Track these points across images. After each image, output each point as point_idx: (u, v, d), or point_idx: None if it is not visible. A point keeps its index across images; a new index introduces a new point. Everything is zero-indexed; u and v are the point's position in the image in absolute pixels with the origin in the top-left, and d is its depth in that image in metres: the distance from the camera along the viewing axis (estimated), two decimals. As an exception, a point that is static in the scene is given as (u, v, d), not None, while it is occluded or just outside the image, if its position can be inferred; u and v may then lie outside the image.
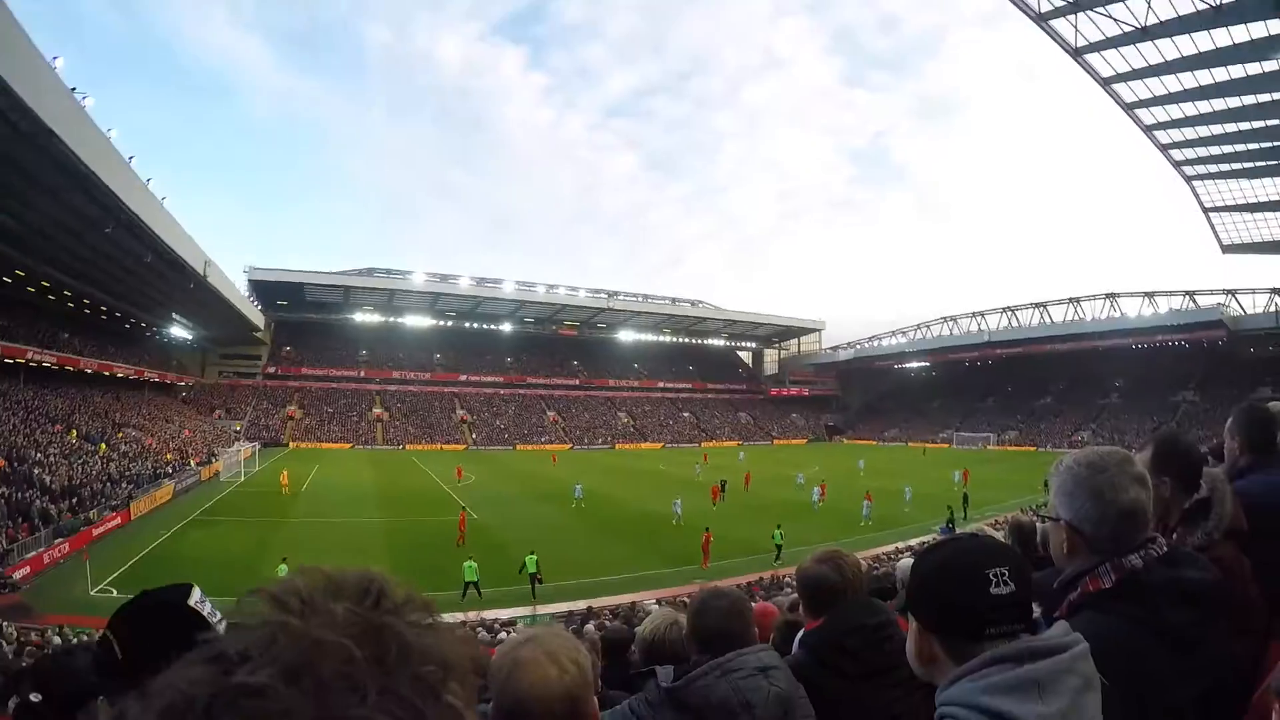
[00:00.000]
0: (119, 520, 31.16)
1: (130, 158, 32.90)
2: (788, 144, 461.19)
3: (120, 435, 44.69)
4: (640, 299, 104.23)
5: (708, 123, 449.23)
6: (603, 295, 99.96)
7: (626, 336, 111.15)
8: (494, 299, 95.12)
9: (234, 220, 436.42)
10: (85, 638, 15.88)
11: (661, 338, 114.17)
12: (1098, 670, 1.49)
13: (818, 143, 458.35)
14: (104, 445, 40.38)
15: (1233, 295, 69.79)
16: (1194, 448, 2.81)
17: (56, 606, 21.19)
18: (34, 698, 3.35)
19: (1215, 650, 1.88)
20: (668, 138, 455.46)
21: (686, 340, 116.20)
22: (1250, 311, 69.06)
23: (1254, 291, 68.13)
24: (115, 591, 22.95)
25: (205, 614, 1.71)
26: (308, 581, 0.50)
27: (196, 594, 1.72)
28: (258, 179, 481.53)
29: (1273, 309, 66.36)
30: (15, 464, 30.59)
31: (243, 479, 47.46)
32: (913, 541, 27.23)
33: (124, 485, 34.94)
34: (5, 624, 16.14)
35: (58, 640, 15.62)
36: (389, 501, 40.32)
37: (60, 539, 26.60)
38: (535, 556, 23.78)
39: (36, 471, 30.91)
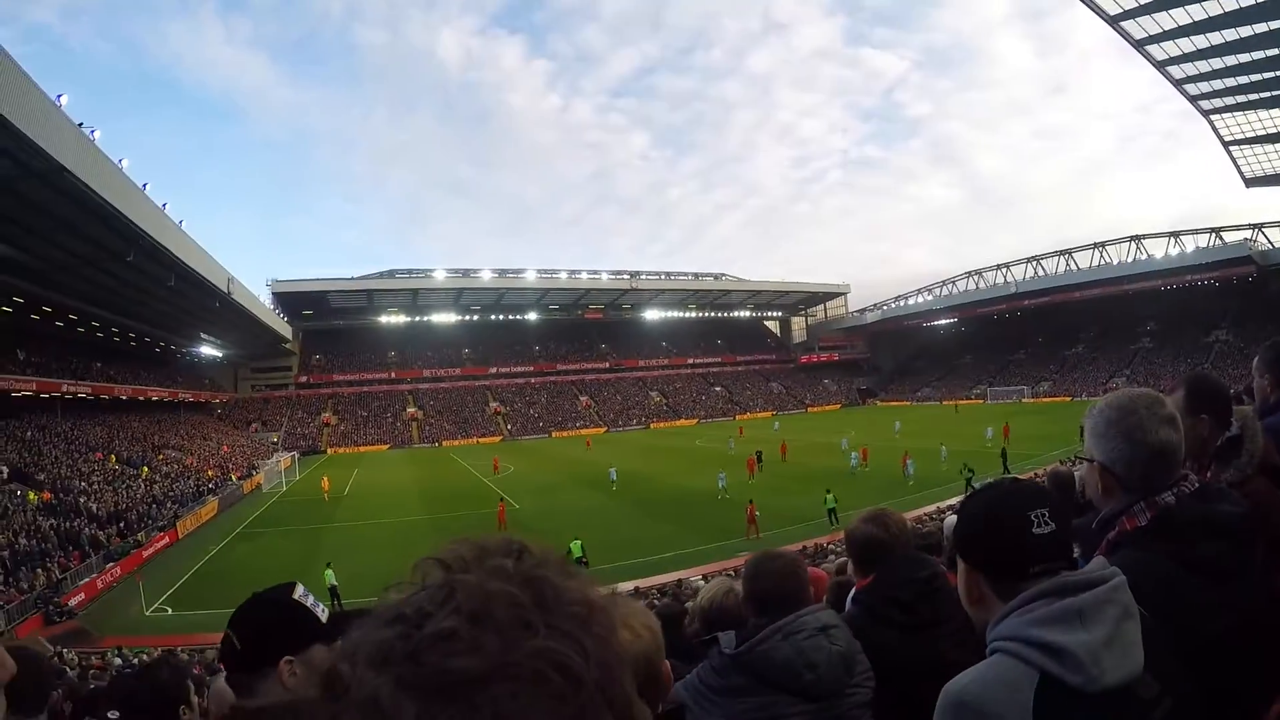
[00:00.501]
0: (167, 540, 31.70)
1: (145, 185, 33.24)
2: (797, 109, 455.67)
3: (160, 457, 45.45)
4: (663, 276, 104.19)
5: (715, 94, 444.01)
6: (625, 276, 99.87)
7: (652, 315, 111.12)
8: (517, 289, 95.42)
9: (253, 237, 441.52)
10: (145, 657, 16.17)
11: (687, 314, 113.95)
12: (1137, 604, 1.56)
13: (828, 105, 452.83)
14: (145, 468, 41.02)
15: (1259, 230, 68.14)
16: (1224, 386, 2.84)
17: (114, 629, 21.60)
18: (111, 715, 3.41)
19: (1250, 581, 1.92)
20: (676, 113, 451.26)
21: (712, 314, 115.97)
22: (1279, 245, 67.41)
23: None
24: (170, 610, 23.52)
25: (309, 605, 1.95)
26: (464, 547, 0.58)
27: (300, 589, 1.97)
28: (272, 194, 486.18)
29: None
30: (61, 494, 31.25)
31: (284, 489, 48.13)
32: (953, 500, 27.10)
33: (169, 505, 35.54)
34: (65, 651, 16.32)
35: (119, 661, 15.87)
36: (430, 498, 40.66)
37: (111, 563, 27.03)
38: (580, 542, 23.99)
39: (83, 500, 31.49)
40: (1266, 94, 38.31)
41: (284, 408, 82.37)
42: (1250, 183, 52.11)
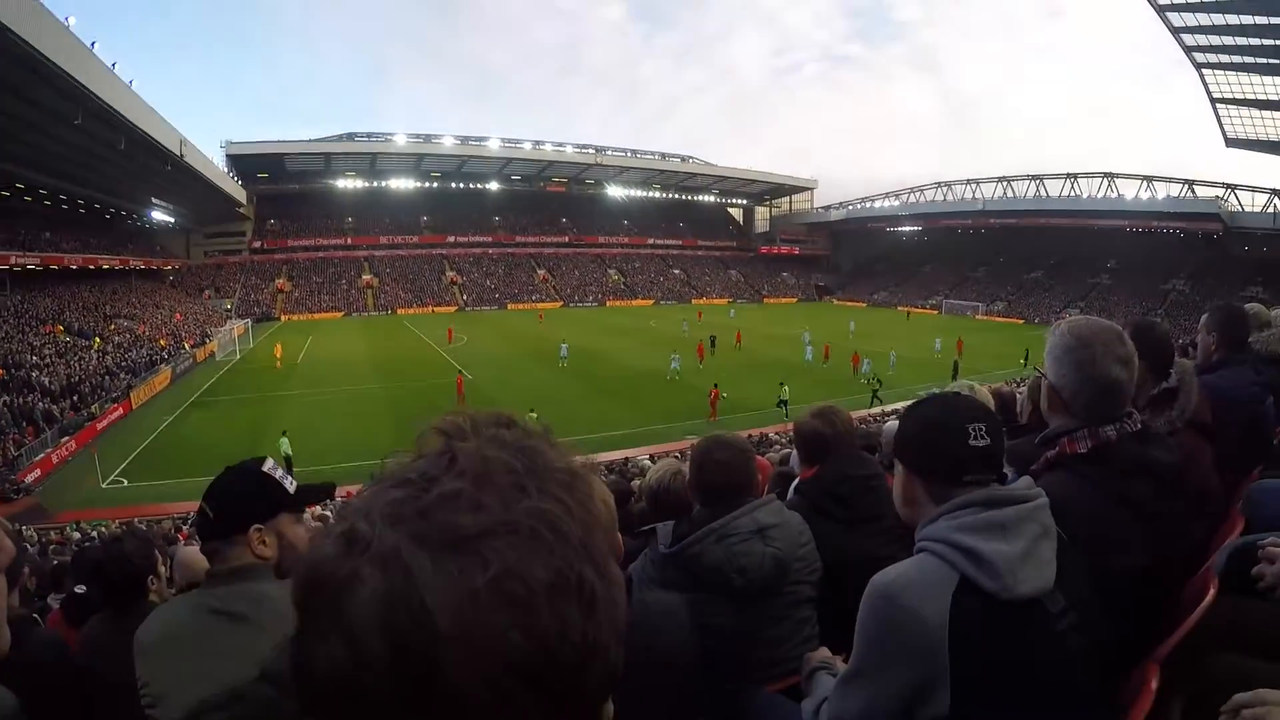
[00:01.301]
0: (121, 411, 31.65)
1: (93, 43, 31.83)
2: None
3: (112, 327, 44.87)
4: (629, 154, 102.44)
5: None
6: (590, 151, 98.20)
7: (616, 193, 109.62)
8: (479, 157, 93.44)
9: (208, 97, 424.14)
10: (103, 530, 16.51)
11: (651, 194, 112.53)
12: (1065, 526, 1.76)
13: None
14: (98, 339, 40.59)
15: (1233, 190, 68.28)
16: (1168, 337, 3.10)
17: (71, 504, 21.77)
18: (78, 589, 3.86)
19: (1171, 526, 2.09)
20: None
21: (676, 196, 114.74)
22: (1248, 209, 67.62)
23: (1254, 189, 66.47)
24: (126, 482, 23.90)
25: (277, 478, 2.07)
26: (461, 419, 0.65)
27: (269, 463, 2.10)
28: (228, 49, 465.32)
29: (1271, 209, 64.95)
30: (12, 370, 30.97)
31: (238, 357, 48.00)
32: (898, 405, 27.67)
33: (122, 376, 35.33)
34: (24, 528, 16.61)
35: (77, 536, 16.01)
36: (385, 368, 41.21)
37: (66, 437, 27.05)
38: (536, 414, 24.51)
39: (34, 374, 31.27)
40: (1265, 59, 38.06)
41: (238, 274, 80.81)
42: (1230, 143, 52.29)
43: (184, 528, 15.18)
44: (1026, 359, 39.70)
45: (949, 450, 1.65)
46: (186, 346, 46.93)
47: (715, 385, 29.64)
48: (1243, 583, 2.12)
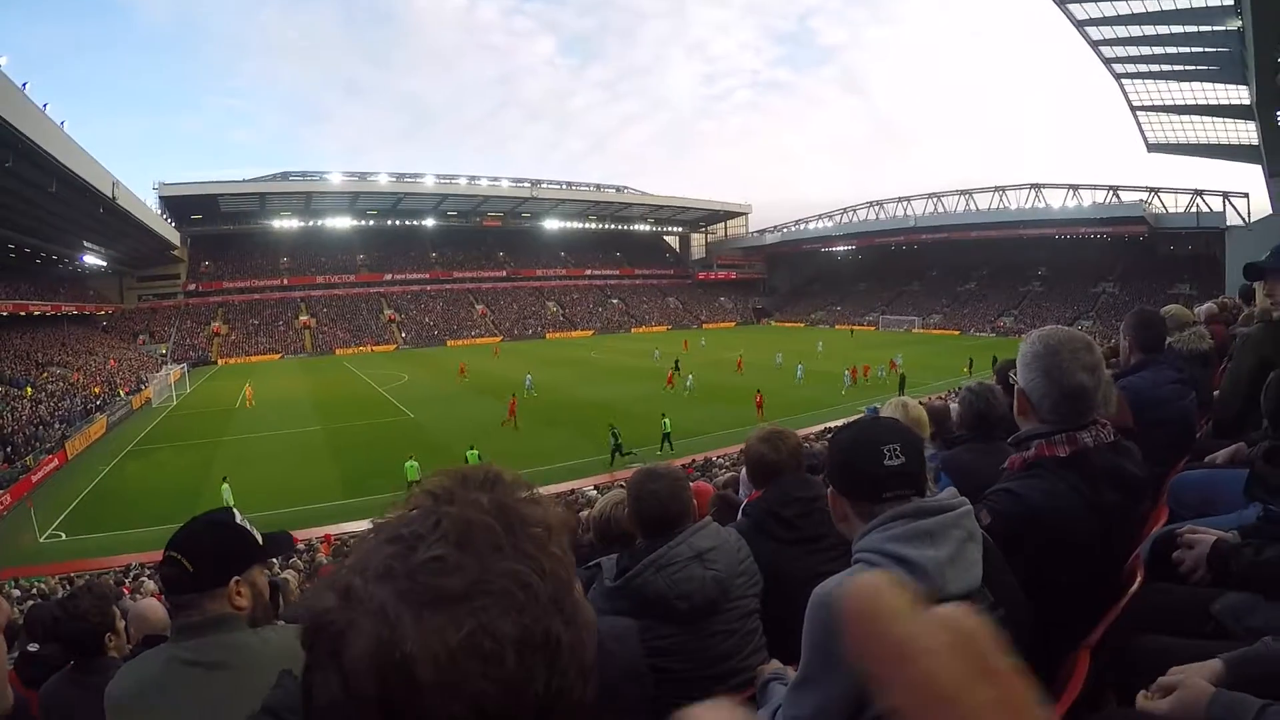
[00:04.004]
0: (56, 462, 31.14)
1: (24, 84, 31.61)
2: (711, 25, 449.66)
3: (45, 375, 44.12)
4: (564, 186, 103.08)
5: (626, 2, 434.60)
6: (526, 184, 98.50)
7: (552, 225, 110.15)
8: (415, 194, 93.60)
9: (140, 139, 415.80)
10: (43, 586, 16.33)
11: (587, 225, 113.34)
12: (1038, 527, 1.93)
13: (742, 24, 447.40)
14: (29, 388, 39.89)
15: (1155, 193, 70.76)
16: (1161, 321, 3.41)
17: (9, 560, 21.02)
18: (31, 648, 3.72)
19: (1130, 534, 2.26)
20: (585, 20, 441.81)
21: (613, 227, 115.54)
22: (1172, 210, 70.13)
23: (1176, 191, 69.09)
24: (64, 535, 23.21)
25: (248, 528, 2.07)
26: (449, 480, 0.70)
27: (237, 515, 2.10)
28: (159, 93, 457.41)
29: (1193, 210, 67.51)
30: (-55, 422, 30.09)
31: (175, 403, 47.24)
32: (839, 422, 28.74)
33: (56, 426, 34.84)
34: (-39, 587, 16.26)
35: (17, 593, 15.58)
36: (325, 409, 40.95)
37: (0, 490, 26.51)
38: (476, 451, 24.76)
39: (-34, 426, 30.38)
40: (1179, 66, 39.59)
41: (172, 318, 79.16)
42: (1152, 148, 53.93)
43: (127, 582, 15.17)
44: (971, 367, 41.78)
45: (866, 471, 1.75)
46: (122, 394, 46.20)
47: (758, 392, 32.18)
48: (1167, 568, 2.27)
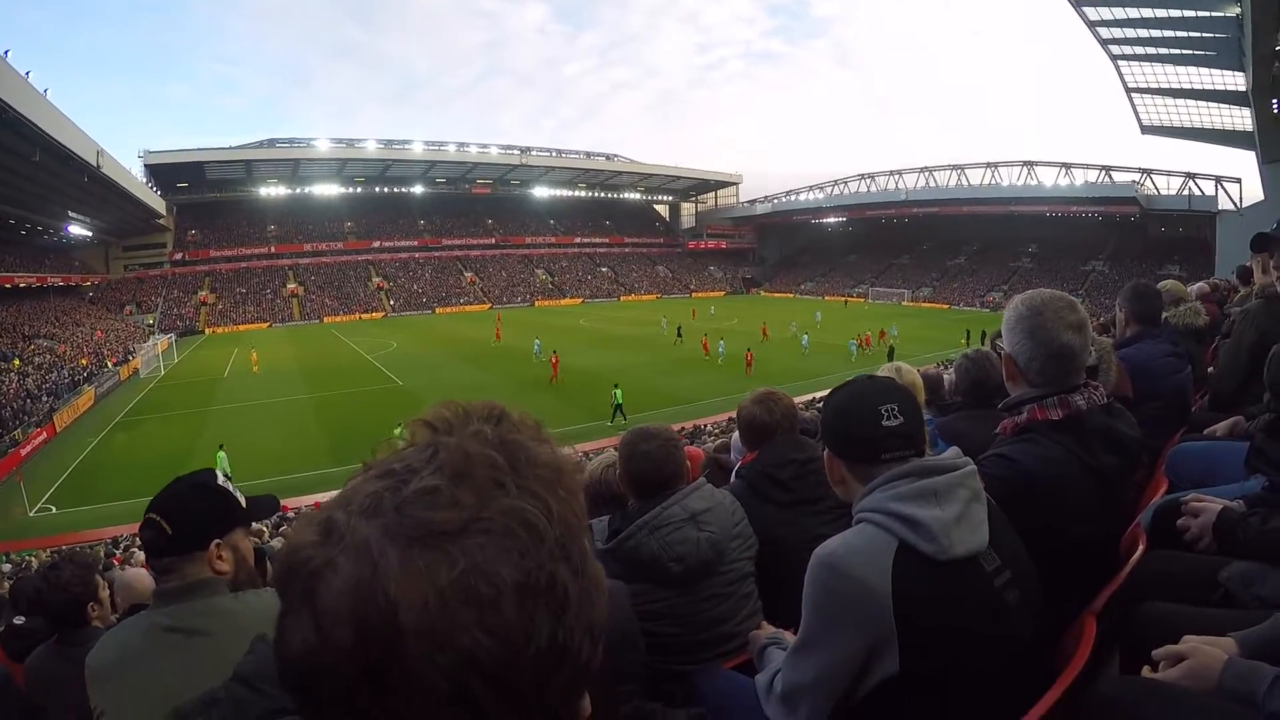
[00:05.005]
0: (45, 435, 30.98)
1: (6, 52, 31.04)
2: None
3: (31, 348, 43.82)
4: (554, 154, 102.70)
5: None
6: (515, 152, 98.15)
7: (541, 193, 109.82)
8: (403, 160, 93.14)
9: (126, 106, 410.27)
10: (32, 559, 16.28)
11: (577, 193, 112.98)
12: (1034, 491, 1.93)
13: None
14: (17, 361, 39.58)
15: (1148, 175, 70.64)
16: (1158, 294, 3.47)
17: None
18: (17, 620, 3.75)
19: (1127, 497, 2.25)
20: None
21: (602, 195, 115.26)
22: (1163, 192, 70.02)
23: (1168, 173, 68.83)
24: (55, 509, 23.16)
25: (230, 490, 2.04)
26: (449, 411, 0.65)
27: (219, 475, 2.07)
28: (146, 58, 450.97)
29: (1185, 193, 67.36)
30: (-68, 395, 29.81)
31: (163, 373, 47.07)
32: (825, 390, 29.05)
33: (44, 399, 34.62)
34: (-48, 561, 16.19)
35: (8, 567, 15.42)
36: (314, 377, 40.90)
37: (-11, 464, 26.22)
38: None
39: (-47, 400, 30.09)
40: (1176, 50, 39.42)
41: (159, 287, 78.46)
42: (1146, 130, 53.95)
43: (117, 553, 15.18)
44: (968, 339, 41.97)
45: (864, 432, 1.72)
46: (109, 365, 45.83)
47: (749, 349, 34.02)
48: (1169, 537, 2.28)
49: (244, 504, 2.05)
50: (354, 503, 0.57)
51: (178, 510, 1.92)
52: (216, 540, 1.92)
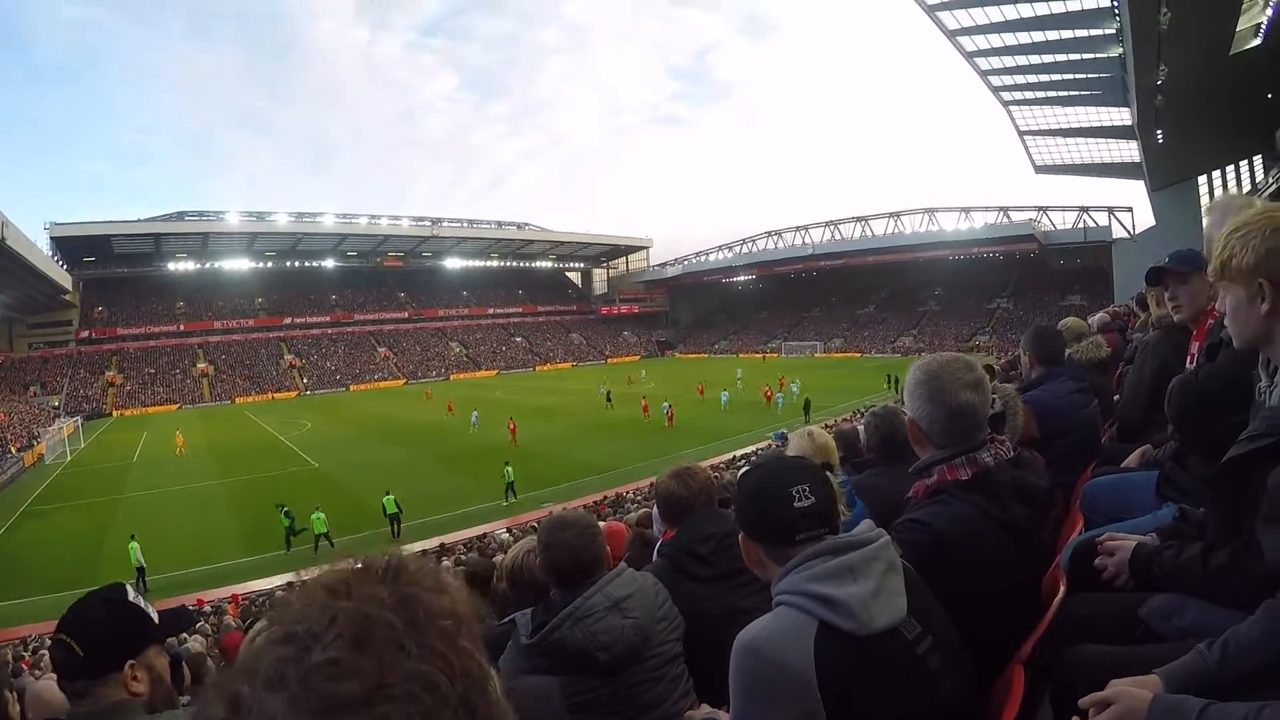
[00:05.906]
0: (-53, 527, 29.46)
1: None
2: (612, 60, 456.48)
3: (-70, 433, 42.08)
4: (466, 224, 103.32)
5: (529, 39, 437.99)
6: (426, 223, 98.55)
7: (454, 264, 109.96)
8: (314, 234, 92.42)
9: (29, 176, 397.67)
10: None
11: (489, 263, 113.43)
12: (950, 552, 1.94)
13: (642, 60, 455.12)
14: (-82, 448, 38.08)
15: (1044, 212, 74.85)
16: (1058, 335, 3.56)
17: None
18: None
19: (1042, 544, 2.24)
20: (488, 55, 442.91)
21: (515, 264, 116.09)
22: (1060, 227, 74.26)
23: (1064, 209, 73.30)
24: None
25: (143, 606, 1.94)
26: (345, 571, 0.66)
27: (131, 591, 1.97)
28: (51, 126, 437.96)
29: (1080, 225, 71.85)
30: None
31: (69, 458, 45.52)
32: (748, 449, 30.32)
33: (-54, 488, 33.39)
34: None
35: None
36: (227, 461, 39.92)
37: (-112, 559, 24.90)
38: (393, 496, 24.33)
39: None
40: (1062, 93, 42.34)
41: (65, 367, 76.04)
42: (1039, 170, 57.56)
43: (26, 655, 15.16)
44: (891, 384, 44.39)
45: (777, 515, 1.71)
46: (13, 450, 44.47)
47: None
48: (1087, 576, 2.26)
49: (157, 620, 1.98)
50: (259, 674, 0.56)
51: (89, 629, 1.83)
52: (130, 660, 1.84)
